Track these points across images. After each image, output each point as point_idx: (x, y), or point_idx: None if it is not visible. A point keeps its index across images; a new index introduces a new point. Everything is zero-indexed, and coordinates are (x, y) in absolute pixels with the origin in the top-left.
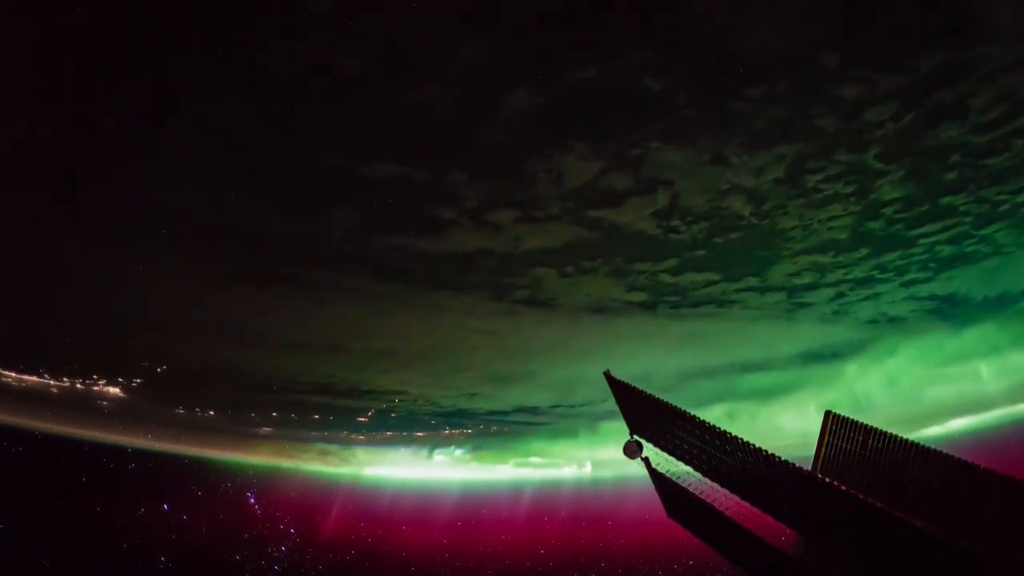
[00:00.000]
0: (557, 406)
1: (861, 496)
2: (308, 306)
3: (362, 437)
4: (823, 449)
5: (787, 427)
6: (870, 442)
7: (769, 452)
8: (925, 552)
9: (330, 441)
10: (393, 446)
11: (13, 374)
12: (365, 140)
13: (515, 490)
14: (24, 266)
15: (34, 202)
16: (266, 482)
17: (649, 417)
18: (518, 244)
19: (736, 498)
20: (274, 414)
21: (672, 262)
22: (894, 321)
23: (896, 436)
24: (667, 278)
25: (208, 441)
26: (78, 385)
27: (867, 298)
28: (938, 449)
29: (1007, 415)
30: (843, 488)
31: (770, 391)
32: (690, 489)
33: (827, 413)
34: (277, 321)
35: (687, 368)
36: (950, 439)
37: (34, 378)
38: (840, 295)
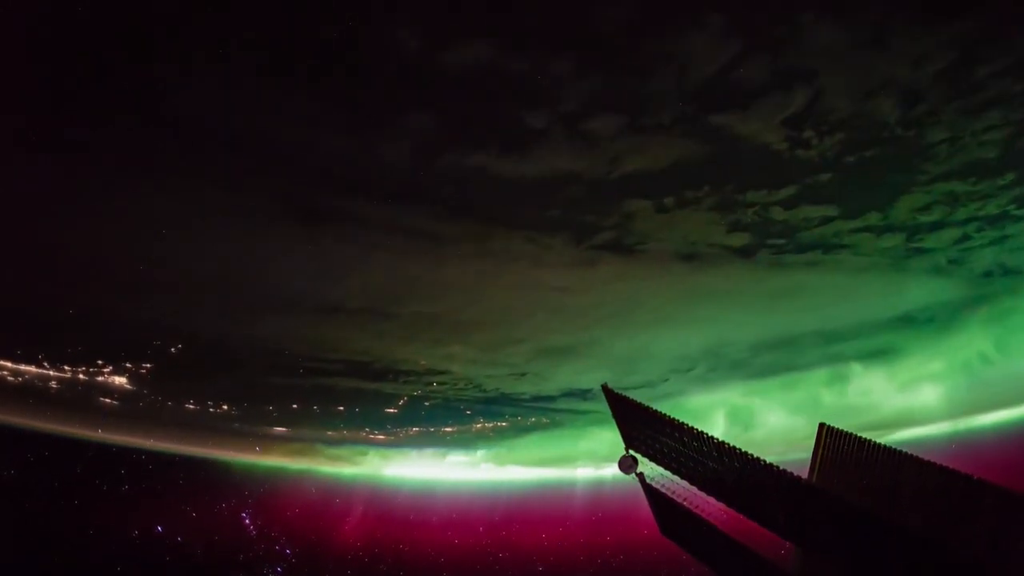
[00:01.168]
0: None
1: (857, 505)
2: (357, 255)
3: (382, 436)
4: (818, 460)
5: (872, 406)
6: (864, 453)
7: (767, 462)
8: (921, 560)
9: (350, 443)
10: (415, 446)
11: (9, 363)
12: (454, 9)
13: (550, 491)
14: (19, 209)
15: (34, 115)
16: (277, 485)
17: (646, 430)
18: (614, 166)
19: (733, 512)
20: (294, 406)
21: (790, 190)
22: (1010, 275)
23: (889, 447)
24: (779, 213)
25: (216, 442)
26: (80, 376)
27: (992, 242)
28: (931, 460)
29: None
30: (839, 497)
31: (859, 361)
32: (686, 505)
33: (821, 426)
34: (317, 277)
35: (766, 337)
36: None
37: (32, 368)
38: (965, 238)
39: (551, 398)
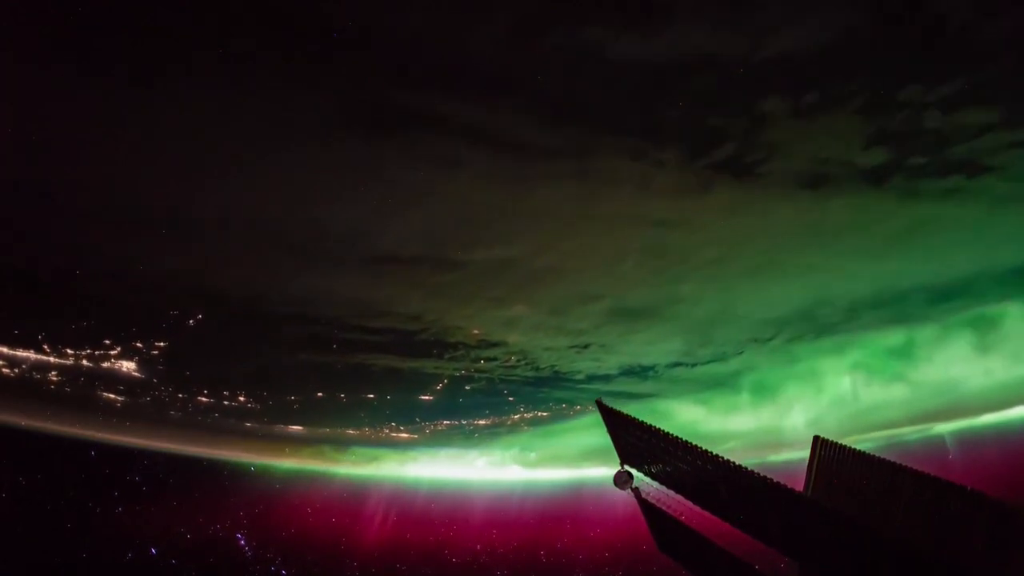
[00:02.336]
0: (676, 364)
1: (853, 518)
2: (426, 180)
3: (404, 434)
4: (813, 472)
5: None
6: (859, 465)
7: (762, 475)
8: (918, 574)
9: (366, 444)
10: (438, 445)
11: (5, 349)
12: None
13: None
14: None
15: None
16: (285, 490)
17: (640, 445)
18: (759, 44)
19: (730, 527)
20: (319, 394)
21: (955, 84)
22: None
23: (885, 459)
24: (933, 117)
25: (226, 444)
26: (84, 362)
27: None
28: (927, 472)
29: None
30: (835, 510)
31: (970, 327)
32: (683, 520)
33: (816, 439)
34: (373, 214)
35: (868, 294)
36: None
37: (31, 354)
38: None
39: (608, 377)
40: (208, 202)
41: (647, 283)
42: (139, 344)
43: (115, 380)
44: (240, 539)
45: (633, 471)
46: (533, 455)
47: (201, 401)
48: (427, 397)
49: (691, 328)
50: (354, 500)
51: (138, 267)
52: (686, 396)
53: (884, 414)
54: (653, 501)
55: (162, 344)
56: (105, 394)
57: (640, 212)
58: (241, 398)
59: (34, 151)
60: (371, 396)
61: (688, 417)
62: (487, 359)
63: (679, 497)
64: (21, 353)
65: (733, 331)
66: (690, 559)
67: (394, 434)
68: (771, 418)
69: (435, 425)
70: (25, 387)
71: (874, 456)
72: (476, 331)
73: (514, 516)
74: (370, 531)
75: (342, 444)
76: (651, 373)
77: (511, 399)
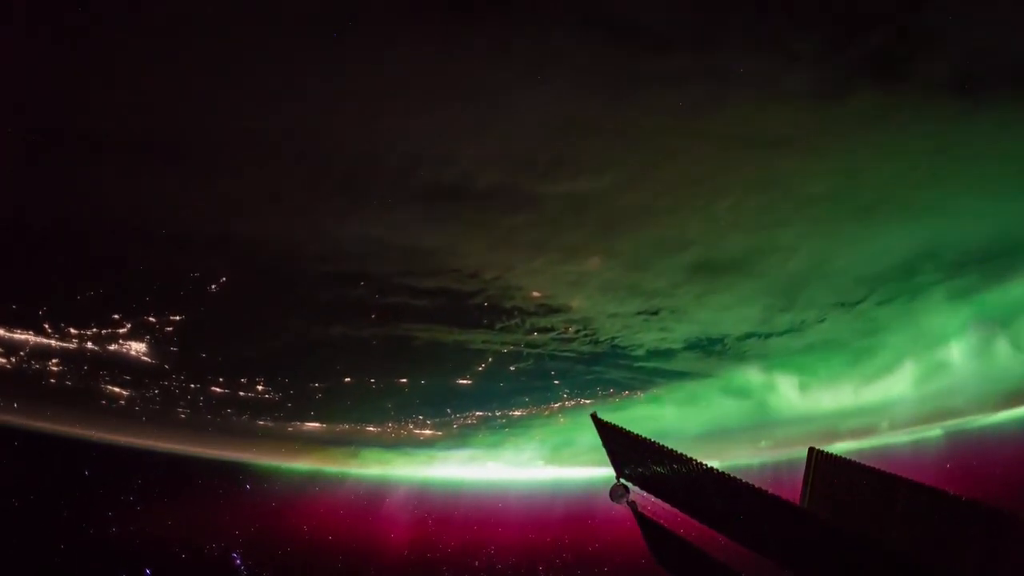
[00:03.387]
0: (748, 336)
1: (850, 531)
2: (515, 73)
3: (428, 431)
4: (809, 485)
5: None
6: (855, 476)
7: (758, 487)
8: None
9: (388, 444)
10: (460, 447)
11: (3, 331)
12: None
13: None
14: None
15: None
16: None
17: (636, 458)
18: None
19: (730, 541)
20: (347, 379)
21: None
22: None
23: (880, 470)
24: None
25: (236, 445)
26: (89, 344)
27: None
28: (925, 484)
29: None
30: (831, 523)
31: None
32: (680, 534)
33: (811, 450)
34: (443, 131)
35: (983, 243)
36: None
37: (30, 336)
38: None
39: (669, 353)
40: (238, 128)
41: (743, 227)
42: (152, 318)
43: (122, 367)
44: (236, 559)
45: (629, 485)
46: (566, 451)
47: (215, 392)
48: (465, 381)
49: (776, 289)
50: (369, 506)
51: (153, 215)
52: (750, 375)
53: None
54: (649, 515)
55: (178, 318)
56: (109, 387)
57: (754, 129)
58: (259, 387)
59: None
60: (403, 380)
61: (754, 398)
62: (543, 330)
63: (676, 510)
64: (20, 336)
65: (821, 292)
66: (688, 573)
67: (417, 430)
68: (844, 399)
69: (465, 418)
70: (23, 379)
71: (870, 466)
72: (537, 293)
73: (544, 519)
74: (393, 542)
75: (359, 445)
76: (718, 347)
77: (556, 382)
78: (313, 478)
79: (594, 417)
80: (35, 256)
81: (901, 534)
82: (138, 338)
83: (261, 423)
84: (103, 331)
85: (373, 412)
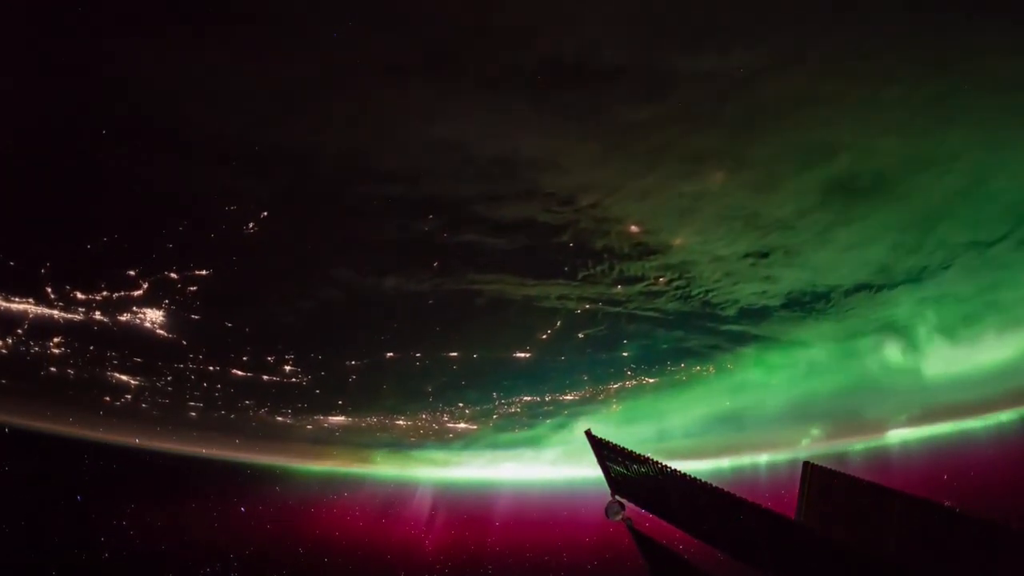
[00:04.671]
0: (861, 288)
1: (846, 545)
2: None
3: (463, 424)
4: (804, 499)
5: None
6: (850, 490)
7: (753, 503)
8: None
9: (415, 443)
10: (498, 446)
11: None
12: None
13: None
14: None
15: None
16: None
17: (630, 474)
18: None
19: (727, 557)
20: (389, 354)
21: None
22: None
23: (875, 484)
24: None
25: (250, 446)
26: (97, 315)
27: None
28: (921, 497)
29: None
30: (827, 538)
31: None
32: (678, 551)
33: (805, 464)
34: None
35: None
36: None
37: (30, 305)
38: None
39: (765, 312)
40: None
41: (903, 129)
42: (173, 274)
43: (134, 344)
44: None
45: (624, 502)
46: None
47: (235, 377)
48: (523, 354)
49: (913, 220)
50: (390, 512)
51: (186, 115)
52: (846, 342)
53: None
54: (645, 531)
55: (204, 272)
56: (116, 375)
57: None
58: (287, 367)
59: None
60: (454, 354)
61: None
62: (631, 280)
63: (672, 527)
64: (18, 305)
65: (959, 227)
66: None
67: (452, 423)
68: (951, 367)
69: (510, 404)
70: (20, 366)
71: (865, 480)
72: (636, 228)
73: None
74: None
75: (381, 445)
76: (819, 304)
77: (625, 354)
78: (329, 481)
79: (588, 434)
80: (34, 190)
81: (896, 547)
82: (155, 303)
83: (280, 419)
84: (115, 295)
85: (410, 398)
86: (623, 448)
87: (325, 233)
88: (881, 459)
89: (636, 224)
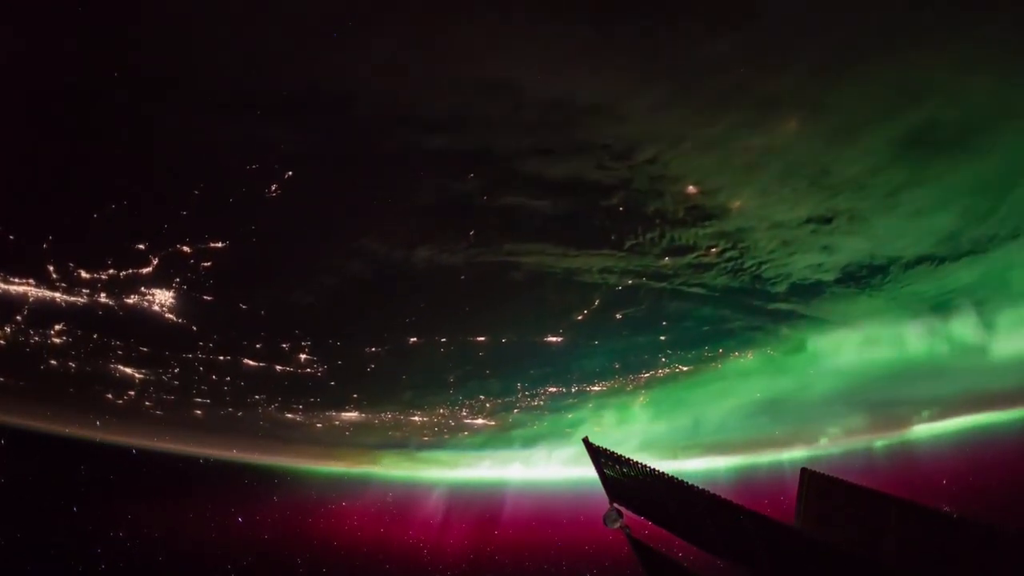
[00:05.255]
0: (922, 260)
1: (845, 552)
2: None
3: (481, 420)
4: (802, 507)
5: None
6: (848, 496)
7: (752, 510)
8: None
9: (428, 443)
10: (512, 445)
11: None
12: None
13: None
14: None
15: None
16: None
17: (628, 482)
18: None
19: (727, 564)
20: (413, 339)
21: None
22: None
23: (874, 490)
24: None
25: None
26: (102, 297)
27: None
28: (919, 502)
29: None
30: (825, 544)
31: None
32: (677, 559)
33: (803, 470)
34: None
35: None
36: None
37: (30, 287)
38: None
39: (818, 287)
40: None
41: (1001, 68)
42: (186, 247)
43: (141, 330)
44: None
45: (623, 509)
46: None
47: (247, 367)
48: (555, 338)
49: (990, 181)
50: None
51: (206, 57)
52: (898, 326)
53: None
54: (644, 539)
55: (220, 245)
56: (121, 367)
57: None
58: (303, 356)
59: None
60: (481, 339)
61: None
62: (680, 250)
63: (671, 534)
64: (18, 287)
65: None
66: None
67: (470, 419)
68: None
69: (535, 397)
70: (20, 360)
71: (863, 487)
72: (694, 188)
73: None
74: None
75: (391, 445)
76: (877, 280)
77: (663, 337)
78: (334, 483)
79: (586, 441)
80: (35, 151)
81: (894, 552)
82: (164, 283)
83: (289, 416)
84: (122, 273)
85: (430, 390)
86: (620, 455)
87: (355, 197)
88: (943, 447)
89: (694, 184)
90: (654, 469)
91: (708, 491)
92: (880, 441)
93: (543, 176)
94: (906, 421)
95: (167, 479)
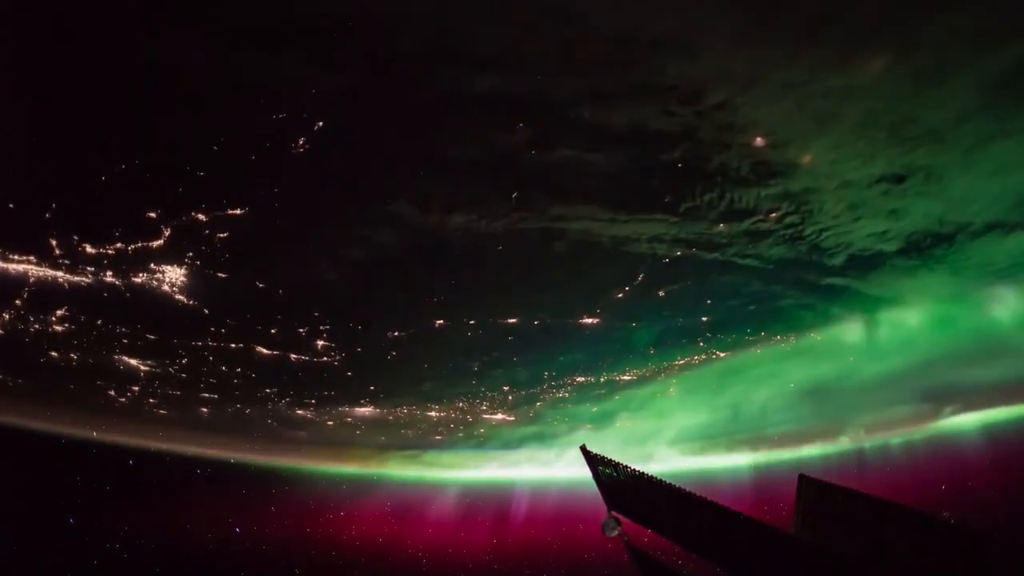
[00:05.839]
0: (993, 227)
1: (843, 557)
2: None
3: (501, 414)
4: (801, 514)
5: None
6: (846, 503)
7: (749, 517)
8: None
9: (445, 442)
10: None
11: None
12: None
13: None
14: None
15: None
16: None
17: (626, 491)
18: None
19: (723, 571)
20: (439, 322)
21: None
22: None
23: (872, 496)
24: None
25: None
26: (108, 276)
27: None
28: (917, 509)
29: None
30: (824, 551)
31: None
32: (676, 567)
33: (800, 476)
34: None
35: None
36: None
37: (31, 265)
38: None
39: (878, 258)
40: None
41: None
42: (201, 215)
43: (148, 315)
44: None
45: (621, 518)
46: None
47: (261, 355)
48: (591, 320)
49: None
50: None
51: None
52: (955, 304)
53: None
54: (643, 547)
55: (238, 212)
56: (126, 359)
57: None
58: (320, 342)
59: None
60: (512, 321)
61: None
62: (738, 215)
63: (669, 542)
64: (17, 265)
65: None
66: None
67: (489, 413)
68: None
69: (561, 388)
70: (19, 353)
71: (862, 493)
72: (763, 139)
73: None
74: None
75: (403, 445)
76: (941, 250)
77: (705, 319)
78: (343, 484)
79: (583, 449)
80: (34, 105)
81: (892, 559)
82: (176, 258)
83: (300, 412)
84: (131, 247)
85: (451, 380)
86: (618, 463)
87: (390, 152)
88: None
89: (763, 134)
90: (651, 476)
91: (706, 499)
92: (934, 428)
93: (601, 125)
94: (961, 407)
95: (167, 483)
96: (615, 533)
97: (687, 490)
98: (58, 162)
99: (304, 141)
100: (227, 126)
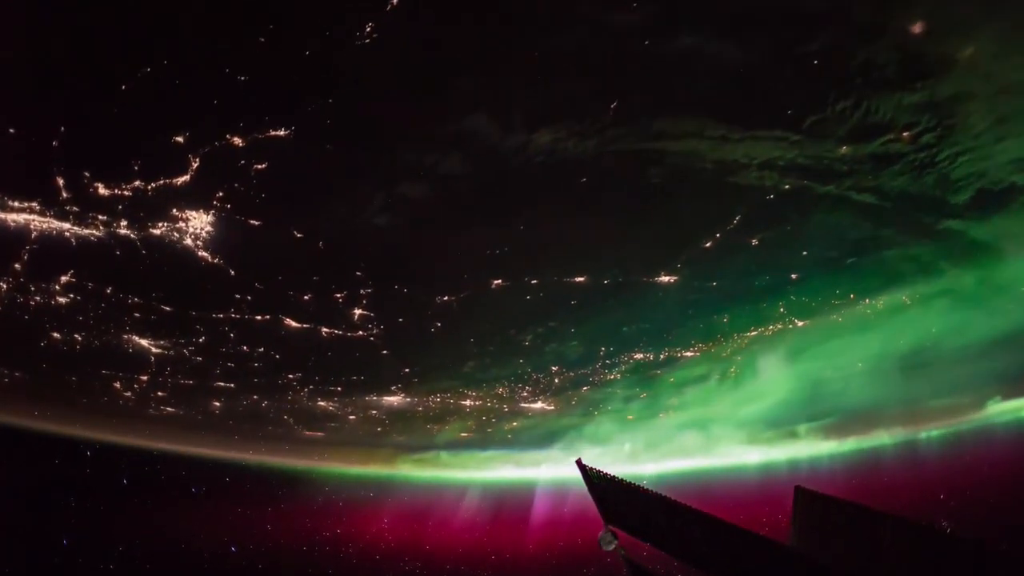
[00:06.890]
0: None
1: (839, 569)
2: None
3: (539, 404)
4: (797, 526)
5: None
6: (842, 515)
7: (747, 529)
8: None
9: (466, 441)
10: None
11: None
12: None
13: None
14: None
15: None
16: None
17: (623, 505)
18: None
19: None
20: (496, 282)
21: None
22: None
23: (868, 507)
24: None
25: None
26: (122, 227)
27: None
28: (912, 518)
29: None
30: (823, 564)
31: None
32: None
33: (796, 488)
34: None
35: None
36: None
37: (33, 215)
38: None
39: (1012, 192)
40: None
41: None
42: (237, 138)
43: (165, 278)
44: None
45: (618, 531)
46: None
47: (289, 328)
48: (669, 277)
49: None
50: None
51: None
52: None
53: None
54: (641, 561)
55: (282, 132)
56: (136, 337)
57: None
58: (358, 311)
59: None
60: (580, 279)
61: None
62: (870, 131)
63: (667, 557)
64: (16, 215)
65: None
66: None
67: (529, 401)
68: None
69: (614, 368)
70: (19, 339)
71: (857, 504)
72: (922, 25)
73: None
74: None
75: (430, 447)
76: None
77: (794, 275)
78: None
79: (579, 463)
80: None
81: (888, 570)
82: (203, 200)
83: (322, 403)
84: (151, 185)
85: (497, 359)
86: (613, 476)
87: (472, 45)
88: None
89: (924, 17)
90: (649, 490)
91: (702, 512)
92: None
93: (733, 2)
94: None
95: (163, 484)
96: (611, 547)
97: (682, 504)
98: (69, 68)
99: (370, 28)
100: (275, 11)
